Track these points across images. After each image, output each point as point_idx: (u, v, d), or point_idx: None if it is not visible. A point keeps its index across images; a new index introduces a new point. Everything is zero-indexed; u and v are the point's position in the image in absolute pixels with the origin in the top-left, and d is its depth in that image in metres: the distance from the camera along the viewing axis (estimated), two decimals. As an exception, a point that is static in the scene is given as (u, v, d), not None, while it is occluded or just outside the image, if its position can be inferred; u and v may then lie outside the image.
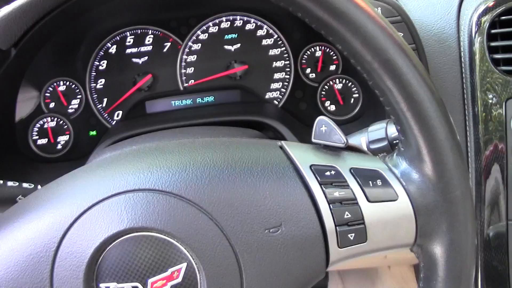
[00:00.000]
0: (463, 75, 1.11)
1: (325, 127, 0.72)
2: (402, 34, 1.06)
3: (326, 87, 1.32)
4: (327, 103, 1.32)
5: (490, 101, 1.08)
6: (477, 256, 1.13)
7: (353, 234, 0.67)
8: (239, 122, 1.22)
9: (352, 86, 1.32)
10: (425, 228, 0.69)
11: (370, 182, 0.68)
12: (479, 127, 1.09)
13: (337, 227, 0.66)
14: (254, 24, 1.32)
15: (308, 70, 1.33)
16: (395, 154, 0.71)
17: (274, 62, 1.33)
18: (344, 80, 1.31)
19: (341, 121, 1.31)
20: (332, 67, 1.32)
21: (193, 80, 1.34)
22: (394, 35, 0.64)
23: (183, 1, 1.28)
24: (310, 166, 0.69)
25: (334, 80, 1.32)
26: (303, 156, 0.70)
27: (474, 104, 1.10)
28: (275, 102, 1.34)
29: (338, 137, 0.71)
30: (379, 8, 1.07)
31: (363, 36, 0.64)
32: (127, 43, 1.32)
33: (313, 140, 0.73)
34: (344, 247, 0.67)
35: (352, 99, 1.32)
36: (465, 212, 0.68)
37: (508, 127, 1.08)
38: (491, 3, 1.09)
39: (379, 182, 0.69)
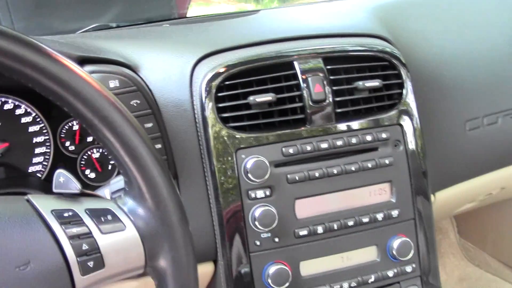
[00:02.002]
0: (199, 133, 1.30)
1: (62, 178, 0.85)
2: (139, 102, 1.24)
3: (85, 157, 1.44)
4: (87, 171, 1.43)
5: (223, 153, 1.27)
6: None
7: (92, 262, 0.80)
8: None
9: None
10: (152, 251, 0.84)
11: (102, 218, 0.83)
12: (216, 177, 1.28)
13: (77, 258, 0.79)
14: (13, 104, 1.41)
15: (68, 143, 1.44)
16: (123, 194, 0.87)
17: (34, 138, 1.42)
18: (101, 149, 1.44)
19: (101, 186, 1.43)
20: (90, 138, 1.44)
21: None
22: (108, 96, 0.80)
23: None
24: (51, 211, 0.81)
25: (91, 150, 1.44)
26: (45, 204, 0.83)
27: (210, 158, 1.28)
28: (38, 175, 1.43)
29: (73, 185, 0.85)
30: (117, 80, 1.23)
31: (82, 99, 0.79)
32: None
33: (54, 190, 0.86)
34: (87, 275, 0.79)
35: (110, 166, 1.44)
36: (183, 233, 0.85)
37: (239, 173, 1.28)
38: (220, 70, 1.29)
39: (109, 217, 0.83)
